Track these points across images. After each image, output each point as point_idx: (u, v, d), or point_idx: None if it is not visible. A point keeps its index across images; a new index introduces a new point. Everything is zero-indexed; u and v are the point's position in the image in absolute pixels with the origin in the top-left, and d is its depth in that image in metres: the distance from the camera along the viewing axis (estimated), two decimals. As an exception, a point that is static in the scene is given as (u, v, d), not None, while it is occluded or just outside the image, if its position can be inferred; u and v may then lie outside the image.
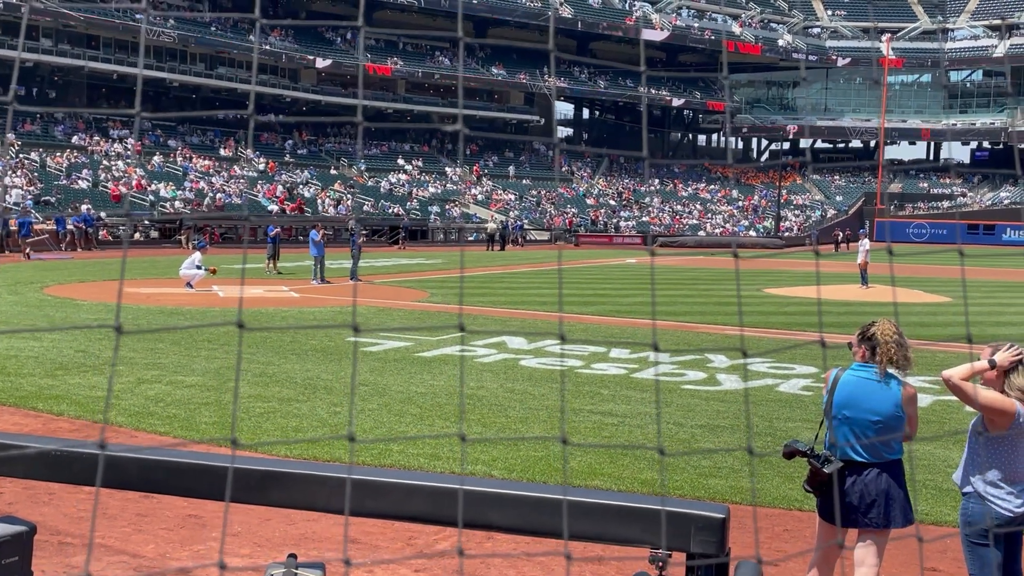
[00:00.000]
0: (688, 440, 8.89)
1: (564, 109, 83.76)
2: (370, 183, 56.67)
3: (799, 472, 5.61)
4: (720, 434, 9.18)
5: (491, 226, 48.62)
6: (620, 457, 8.11)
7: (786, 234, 60.65)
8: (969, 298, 24.19)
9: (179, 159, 50.58)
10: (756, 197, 71.90)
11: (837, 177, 76.73)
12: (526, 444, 8.49)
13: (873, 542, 4.82)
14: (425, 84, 66.48)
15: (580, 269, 34.23)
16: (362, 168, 58.83)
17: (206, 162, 51.37)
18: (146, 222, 41.77)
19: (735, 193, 72.65)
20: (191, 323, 15.26)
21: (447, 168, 63.60)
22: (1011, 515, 4.53)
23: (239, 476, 2.82)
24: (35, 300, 19.08)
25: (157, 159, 48.95)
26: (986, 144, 76.67)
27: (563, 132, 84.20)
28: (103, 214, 39.81)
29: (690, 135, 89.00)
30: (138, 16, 50.51)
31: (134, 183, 44.47)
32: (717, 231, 61.77)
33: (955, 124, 74.03)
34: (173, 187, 45.72)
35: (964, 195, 71.36)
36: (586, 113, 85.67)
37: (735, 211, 68.44)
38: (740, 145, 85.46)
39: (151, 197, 44.05)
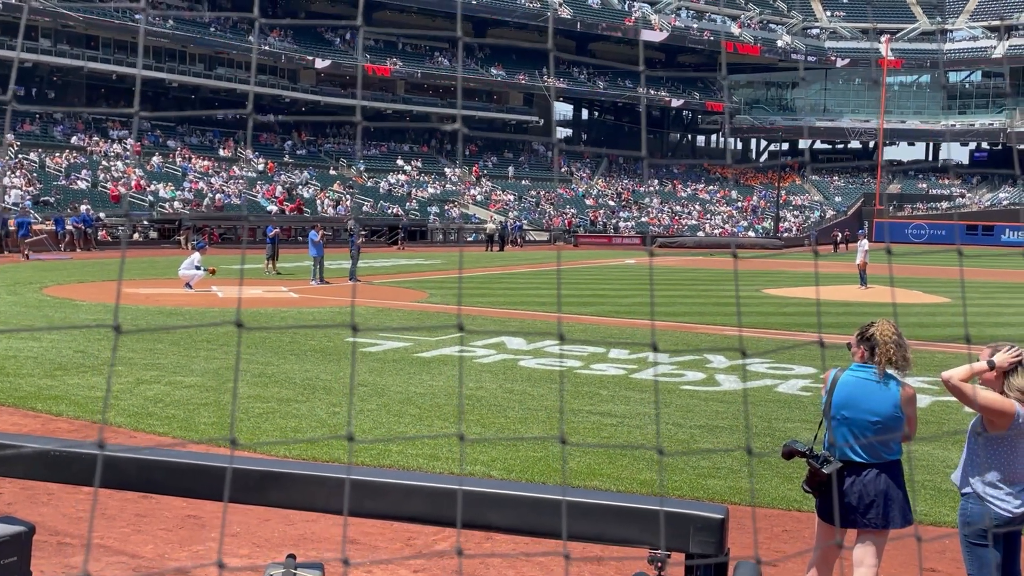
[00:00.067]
0: (687, 440, 8.89)
1: (563, 110, 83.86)
2: (369, 184, 56.67)
3: (798, 473, 5.61)
4: (719, 434, 9.18)
5: (490, 227, 48.62)
6: (619, 457, 8.11)
7: (785, 235, 60.68)
8: (968, 299, 24.20)
9: (178, 159, 50.57)
10: (755, 198, 71.92)
11: (836, 178, 76.76)
12: (525, 444, 8.49)
13: (872, 542, 4.82)
14: (424, 85, 66.48)
15: (579, 270, 34.23)
16: (361, 168, 58.83)
17: (205, 162, 51.36)
18: (145, 222, 41.76)
19: (734, 194, 72.66)
20: (189, 323, 15.24)
21: (446, 169, 63.60)
22: (1010, 515, 4.54)
23: (238, 476, 2.82)
24: (34, 300, 19.08)
25: (156, 160, 48.94)
26: (985, 145, 76.70)
27: (562, 133, 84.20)
28: (102, 214, 39.79)
29: (689, 136, 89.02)
30: (137, 16, 50.47)
31: (133, 183, 44.47)
32: (716, 232, 61.77)
33: (954, 125, 74.07)
34: (172, 187, 45.72)
35: (963, 196, 71.39)
36: (585, 114, 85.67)
37: (734, 212, 68.46)
38: (739, 146, 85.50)
39: (150, 197, 44.04)
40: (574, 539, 2.59)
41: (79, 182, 43.51)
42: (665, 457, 8.09)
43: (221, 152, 54.49)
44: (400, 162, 62.07)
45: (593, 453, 8.29)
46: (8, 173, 40.39)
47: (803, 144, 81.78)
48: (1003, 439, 4.55)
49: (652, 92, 72.99)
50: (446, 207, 56.59)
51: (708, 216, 66.44)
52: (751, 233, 62.74)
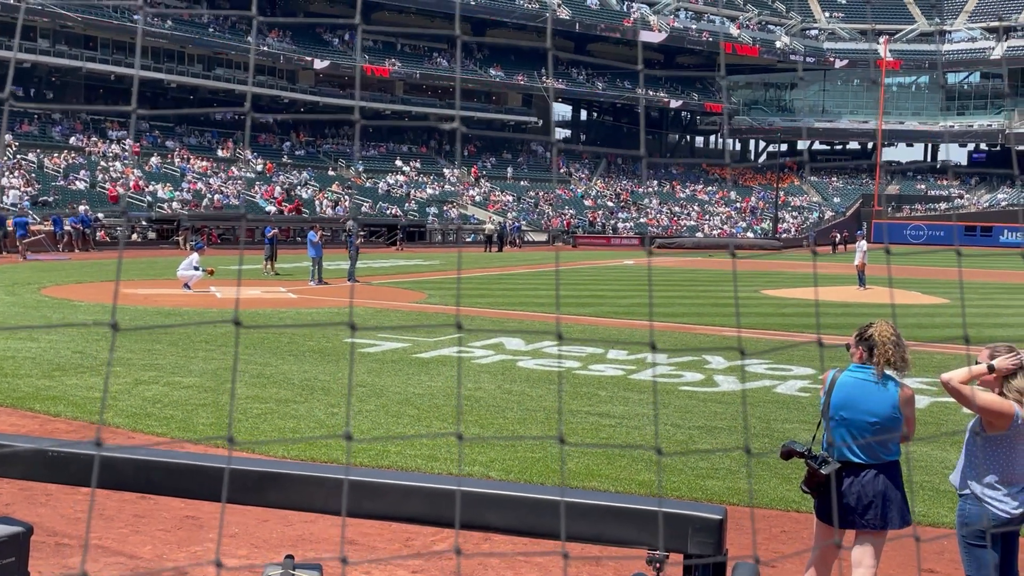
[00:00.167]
0: (685, 441, 8.89)
1: (562, 110, 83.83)
2: (368, 184, 56.67)
3: (797, 473, 5.61)
4: (717, 435, 9.18)
5: (489, 227, 48.62)
6: (617, 458, 8.11)
7: (784, 235, 60.69)
8: (966, 300, 24.21)
9: (177, 160, 50.55)
10: (754, 198, 71.95)
11: (835, 179, 76.79)
12: (524, 445, 8.49)
13: (870, 543, 4.82)
14: (423, 85, 66.48)
15: (578, 270, 34.24)
16: (360, 169, 58.82)
17: (204, 163, 51.34)
18: (143, 223, 41.75)
19: (733, 194, 72.68)
20: (187, 322, 15.23)
21: (445, 169, 63.60)
22: (1008, 516, 4.54)
23: (236, 477, 2.82)
24: (32, 301, 19.06)
25: (155, 160, 48.91)
26: (983, 146, 76.77)
27: (561, 133, 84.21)
28: (100, 215, 39.76)
29: (688, 136, 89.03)
30: (136, 17, 50.45)
31: (132, 184, 44.44)
32: (715, 232, 61.79)
33: (952, 126, 74.12)
34: (171, 188, 45.70)
35: (961, 197, 71.44)
36: (584, 114, 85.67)
37: (733, 212, 68.47)
38: (738, 147, 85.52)
39: (149, 198, 44.02)
40: (572, 540, 2.59)
41: (77, 182, 43.48)
42: (663, 458, 8.10)
43: (220, 153, 54.47)
44: (399, 163, 62.07)
45: (591, 454, 8.29)
46: (6, 173, 40.37)
47: (802, 145, 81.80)
48: (1002, 440, 4.55)
49: (651, 93, 73.04)
50: (445, 208, 56.59)
51: (707, 217, 66.47)
52: (750, 234, 62.76)
